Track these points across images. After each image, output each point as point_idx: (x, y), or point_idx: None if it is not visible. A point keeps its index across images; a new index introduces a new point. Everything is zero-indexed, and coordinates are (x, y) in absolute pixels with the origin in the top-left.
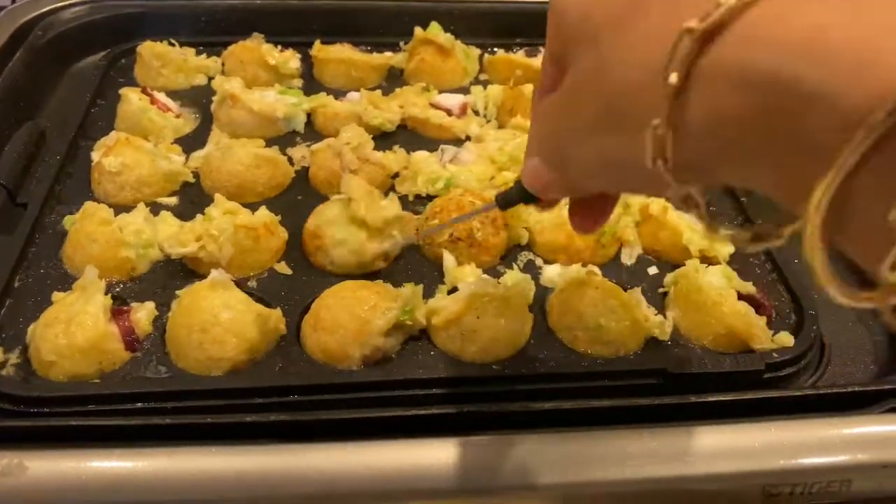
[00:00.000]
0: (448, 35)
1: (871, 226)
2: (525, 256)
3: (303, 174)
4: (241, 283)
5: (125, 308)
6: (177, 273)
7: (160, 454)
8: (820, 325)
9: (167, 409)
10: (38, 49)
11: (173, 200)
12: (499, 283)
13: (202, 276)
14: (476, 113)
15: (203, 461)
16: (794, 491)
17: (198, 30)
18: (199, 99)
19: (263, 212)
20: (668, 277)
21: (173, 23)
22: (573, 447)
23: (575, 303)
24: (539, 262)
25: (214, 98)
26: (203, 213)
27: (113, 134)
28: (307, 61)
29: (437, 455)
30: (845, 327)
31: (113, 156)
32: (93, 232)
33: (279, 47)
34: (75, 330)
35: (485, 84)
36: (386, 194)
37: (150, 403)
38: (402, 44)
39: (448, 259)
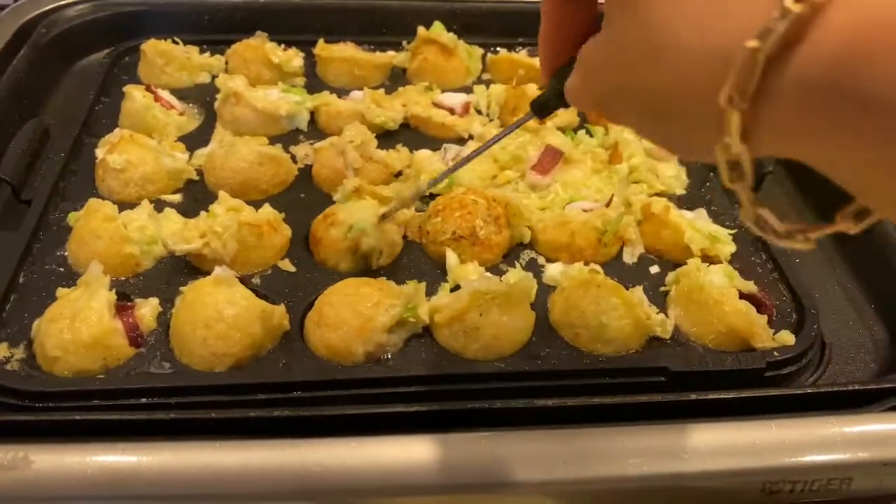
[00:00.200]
0: (451, 34)
1: None
2: (527, 255)
3: (306, 172)
4: (244, 280)
5: (129, 304)
6: (181, 269)
7: (164, 449)
8: (821, 323)
9: (171, 405)
10: (42, 46)
11: (177, 197)
12: (501, 280)
13: (206, 273)
14: (479, 112)
15: (207, 456)
16: (794, 488)
17: (201, 28)
18: (202, 97)
19: (267, 209)
20: (670, 276)
21: (177, 21)
22: (575, 444)
23: (577, 301)
24: (541, 260)
25: (218, 96)
26: (207, 211)
27: (117, 131)
28: (310, 60)
29: (438, 451)
30: (846, 326)
31: (117, 153)
32: (97, 228)
33: (282, 46)
34: (80, 325)
35: (487, 83)
36: None
37: (154, 399)
38: (405, 43)
39: (451, 257)
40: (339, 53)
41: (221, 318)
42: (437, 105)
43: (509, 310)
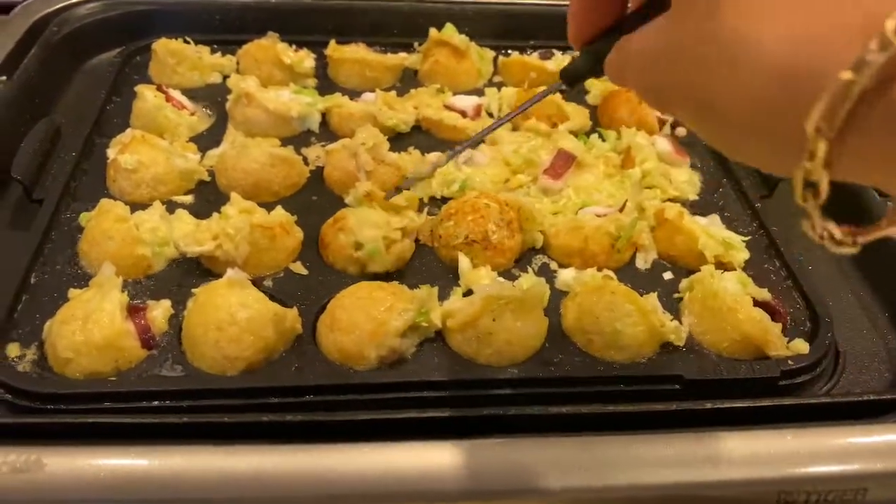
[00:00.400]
0: (462, 37)
1: None
2: (539, 260)
3: (317, 174)
4: (256, 283)
5: (141, 305)
6: (193, 271)
7: (176, 453)
8: (835, 332)
9: (183, 408)
10: (54, 45)
11: (189, 199)
12: (514, 286)
13: (218, 275)
14: (490, 115)
15: (219, 460)
16: (808, 499)
17: (212, 28)
18: (213, 97)
19: (279, 211)
20: (684, 283)
21: (188, 20)
22: (589, 452)
23: (591, 307)
24: (554, 265)
25: (229, 96)
26: (219, 212)
27: (128, 131)
28: (322, 61)
29: (451, 458)
30: (860, 335)
31: (129, 153)
32: (109, 229)
33: (294, 46)
34: (92, 327)
35: (499, 86)
36: None
37: (166, 402)
38: (416, 45)
39: (463, 261)
40: (350, 55)
41: (234, 321)
42: (448, 108)
43: (523, 315)
